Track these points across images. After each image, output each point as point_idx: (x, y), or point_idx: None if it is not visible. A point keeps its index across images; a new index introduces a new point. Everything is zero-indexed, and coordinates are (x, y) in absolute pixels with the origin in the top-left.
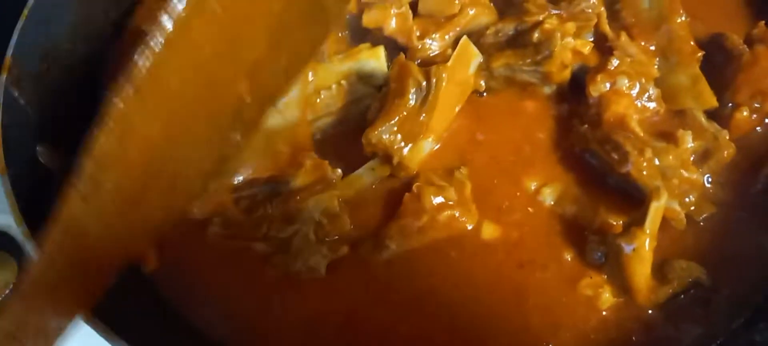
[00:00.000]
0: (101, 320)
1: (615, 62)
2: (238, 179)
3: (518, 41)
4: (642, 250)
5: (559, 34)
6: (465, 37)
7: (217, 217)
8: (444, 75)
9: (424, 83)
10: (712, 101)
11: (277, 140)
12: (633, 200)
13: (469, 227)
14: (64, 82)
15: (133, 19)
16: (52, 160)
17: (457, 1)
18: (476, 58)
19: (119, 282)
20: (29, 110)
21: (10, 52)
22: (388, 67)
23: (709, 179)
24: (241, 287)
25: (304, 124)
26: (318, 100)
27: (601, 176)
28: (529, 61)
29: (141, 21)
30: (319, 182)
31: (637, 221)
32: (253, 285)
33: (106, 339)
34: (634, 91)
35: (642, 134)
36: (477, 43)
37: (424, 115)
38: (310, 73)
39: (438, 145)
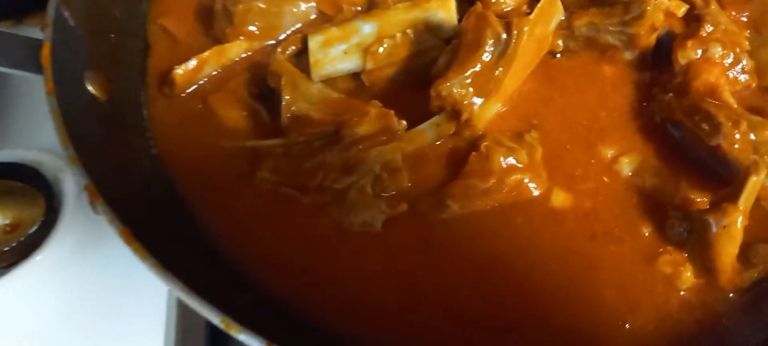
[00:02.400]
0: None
1: (708, 28)
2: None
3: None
4: (733, 228)
5: None
6: None
7: (266, 161)
8: (526, 28)
9: (504, 36)
10: None
11: (335, 87)
12: (717, 178)
13: (537, 193)
14: (114, 10)
15: None
16: (98, 86)
17: None
18: (559, 14)
19: (167, 225)
20: (78, 32)
21: None
22: (458, 19)
23: None
24: (290, 238)
25: (363, 74)
26: (380, 50)
27: (683, 150)
28: (616, 20)
29: None
30: (383, 132)
31: (729, 197)
32: (303, 237)
33: (160, 278)
34: (728, 61)
35: (736, 106)
36: None
37: (500, 69)
38: (374, 21)
39: (506, 107)
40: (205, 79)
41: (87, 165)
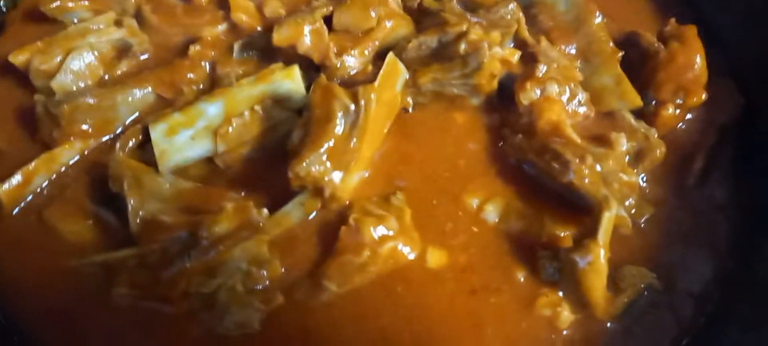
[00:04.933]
0: None
1: (542, 68)
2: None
3: (443, 54)
4: (597, 263)
5: (486, 45)
6: (391, 54)
7: (120, 275)
8: (373, 96)
9: (352, 106)
10: (637, 100)
11: (186, 179)
12: (575, 208)
13: (413, 256)
14: None
15: None
16: None
17: (373, 14)
18: (403, 74)
19: None
20: None
21: None
22: (306, 87)
23: (644, 179)
24: None
25: (216, 157)
26: (230, 130)
27: (541, 186)
28: (457, 73)
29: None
30: (243, 227)
31: (588, 233)
32: None
33: None
34: (565, 97)
35: (579, 141)
36: (399, 58)
37: (354, 140)
38: (219, 100)
39: (369, 171)
40: (37, 192)
41: None
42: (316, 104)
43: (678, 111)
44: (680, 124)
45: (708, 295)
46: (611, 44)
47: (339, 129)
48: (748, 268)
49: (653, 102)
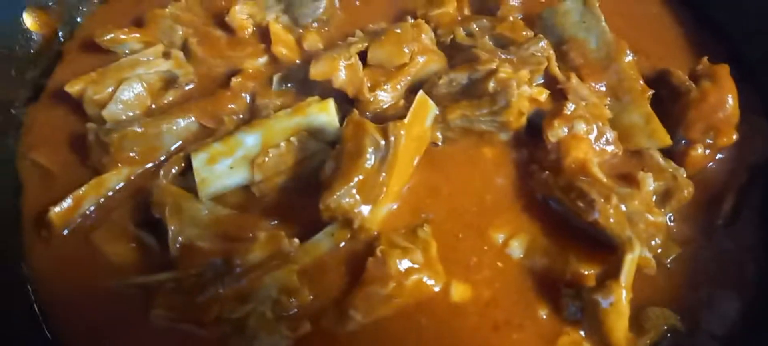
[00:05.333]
0: None
1: (570, 106)
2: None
3: (472, 91)
4: (619, 304)
5: (515, 83)
6: (421, 91)
7: (158, 298)
8: (402, 132)
9: (383, 142)
10: (667, 139)
11: (223, 205)
12: (601, 246)
13: (437, 289)
14: None
15: (53, 80)
16: None
17: (406, 50)
18: (432, 110)
19: None
20: None
21: None
22: (339, 120)
23: (671, 219)
24: None
25: (253, 186)
26: (266, 160)
27: (567, 223)
28: (485, 111)
29: (63, 81)
30: (275, 256)
31: (611, 274)
32: None
33: None
34: (593, 136)
35: (605, 180)
36: (429, 93)
37: (383, 174)
38: (257, 132)
39: (397, 203)
40: (85, 215)
41: None
42: (348, 138)
43: (708, 151)
44: (710, 163)
45: (732, 337)
46: (641, 82)
47: (369, 163)
48: None
49: (683, 141)
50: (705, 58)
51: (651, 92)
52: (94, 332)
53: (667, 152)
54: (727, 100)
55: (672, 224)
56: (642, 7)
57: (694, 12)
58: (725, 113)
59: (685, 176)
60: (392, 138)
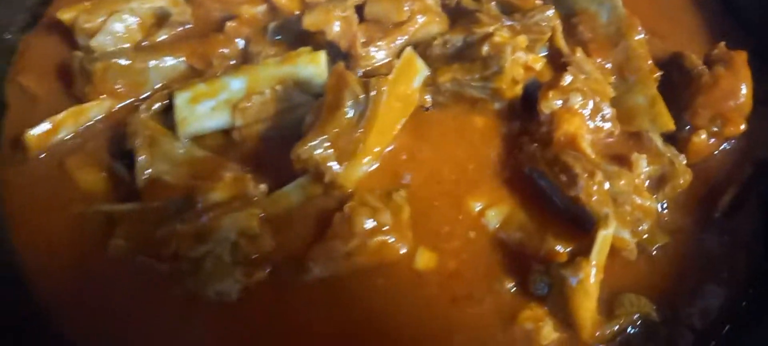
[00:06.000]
0: None
1: (568, 78)
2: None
3: (466, 54)
4: (587, 282)
5: (509, 48)
6: (409, 48)
7: (120, 227)
8: (384, 89)
9: (363, 96)
10: (670, 124)
11: (202, 148)
12: (582, 227)
13: (402, 252)
14: None
15: (51, 9)
16: None
17: (406, 7)
18: (421, 71)
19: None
20: None
21: None
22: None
23: (664, 207)
24: (141, 308)
25: (233, 131)
26: (248, 106)
27: (550, 200)
28: (477, 76)
29: (58, 12)
30: (237, 197)
31: (583, 251)
32: (154, 306)
33: None
34: (587, 110)
35: (593, 156)
36: (423, 54)
37: (361, 130)
38: (243, 76)
39: (376, 164)
40: (62, 141)
41: None
42: (329, 90)
43: (713, 140)
44: (714, 153)
45: (711, 332)
46: (650, 63)
47: (347, 116)
48: (762, 307)
49: (687, 127)
50: (722, 43)
51: (659, 73)
52: (53, 251)
53: (669, 138)
54: (740, 88)
55: (665, 211)
56: None
57: None
58: (737, 102)
59: (684, 163)
60: (373, 93)
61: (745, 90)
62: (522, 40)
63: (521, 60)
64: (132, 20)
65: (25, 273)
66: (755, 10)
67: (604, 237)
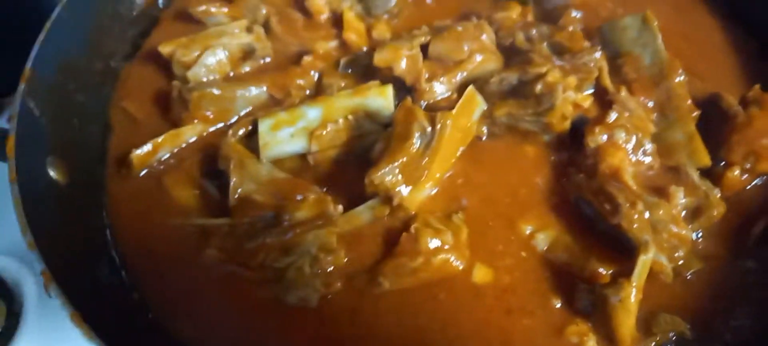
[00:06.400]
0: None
1: (613, 115)
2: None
3: (520, 91)
4: (627, 301)
5: (560, 87)
6: (471, 86)
7: (213, 239)
8: (449, 122)
9: (429, 129)
10: (706, 160)
11: (281, 169)
12: (623, 251)
13: (461, 268)
14: (78, 96)
15: (149, 41)
16: (59, 171)
17: (466, 47)
18: (480, 106)
19: (117, 304)
20: (42, 120)
21: (30, 63)
22: (395, 106)
23: (699, 235)
24: (230, 308)
25: (309, 155)
26: (324, 133)
27: (594, 225)
28: (530, 111)
29: (157, 42)
30: (319, 216)
31: (624, 273)
32: (242, 307)
33: None
34: (630, 145)
35: (635, 187)
36: (481, 90)
37: (426, 159)
38: (319, 106)
39: (437, 188)
40: (161, 160)
41: (44, 250)
42: (399, 122)
43: (746, 176)
44: (747, 187)
45: None
46: (689, 102)
47: (414, 147)
48: None
49: (722, 163)
50: (757, 86)
51: (697, 112)
52: (154, 257)
53: (705, 172)
54: None
55: (699, 239)
56: (705, 33)
57: (760, 42)
58: None
59: (718, 196)
60: (438, 126)
61: None
62: (572, 80)
63: (571, 98)
64: (222, 54)
65: (129, 272)
66: None
67: (644, 261)
